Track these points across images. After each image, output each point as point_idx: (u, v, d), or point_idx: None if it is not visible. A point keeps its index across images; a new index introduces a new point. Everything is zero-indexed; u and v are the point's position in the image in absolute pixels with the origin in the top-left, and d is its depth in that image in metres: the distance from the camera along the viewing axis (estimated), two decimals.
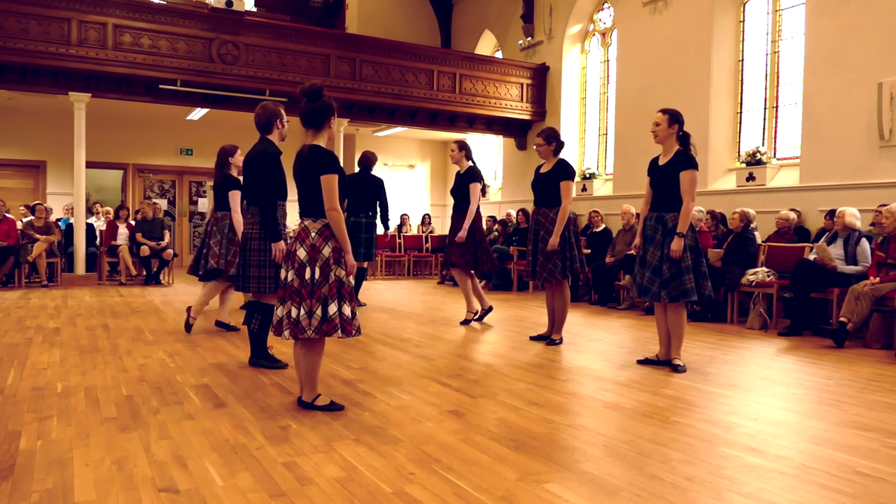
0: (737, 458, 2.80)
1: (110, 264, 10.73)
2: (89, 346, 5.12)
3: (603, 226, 9.59)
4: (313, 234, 3.27)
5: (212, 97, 10.44)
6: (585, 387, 4.09)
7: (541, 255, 5.43)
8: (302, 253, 3.26)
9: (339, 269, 3.28)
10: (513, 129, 12.99)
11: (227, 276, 5.80)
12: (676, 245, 4.43)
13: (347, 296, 3.30)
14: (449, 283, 11.66)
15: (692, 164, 4.50)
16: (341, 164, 3.55)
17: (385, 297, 9.01)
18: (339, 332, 3.24)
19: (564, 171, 5.41)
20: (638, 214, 8.40)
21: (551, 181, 5.42)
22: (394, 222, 13.82)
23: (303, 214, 3.36)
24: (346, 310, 3.28)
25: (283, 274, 3.36)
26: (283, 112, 4.46)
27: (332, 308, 3.23)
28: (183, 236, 14.13)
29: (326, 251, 3.25)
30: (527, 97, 12.52)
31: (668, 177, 4.55)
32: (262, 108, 4.42)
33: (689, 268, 4.47)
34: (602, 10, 11.94)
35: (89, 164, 10.59)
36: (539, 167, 5.62)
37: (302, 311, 3.21)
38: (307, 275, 3.23)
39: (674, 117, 4.59)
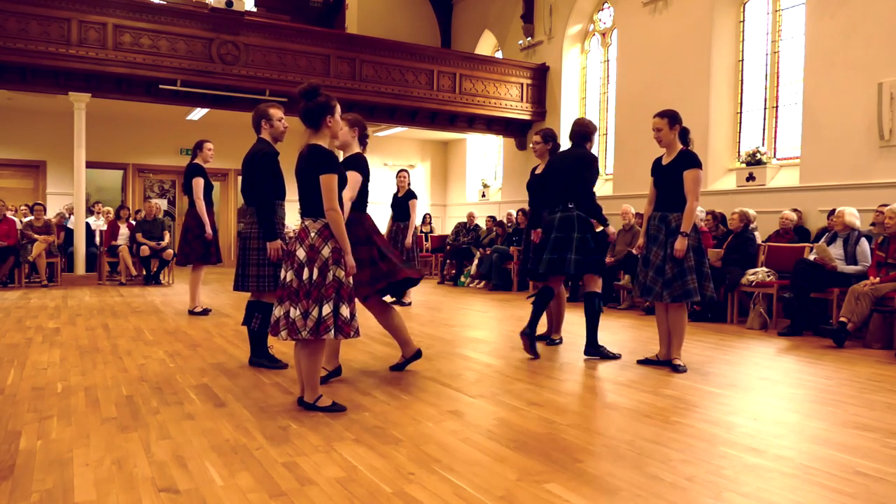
0: (737, 458, 2.80)
1: (110, 264, 10.73)
2: (89, 346, 5.12)
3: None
4: (313, 234, 3.27)
5: (212, 97, 10.44)
6: (585, 387, 4.09)
7: (532, 254, 5.43)
8: (301, 253, 3.26)
9: (339, 269, 3.27)
10: (513, 129, 12.98)
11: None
12: (680, 244, 4.42)
13: (347, 297, 3.29)
14: (449, 284, 11.66)
15: (696, 164, 4.50)
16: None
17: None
18: (334, 332, 3.23)
19: None
20: (639, 214, 8.41)
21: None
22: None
23: (303, 214, 3.35)
24: (345, 311, 3.27)
25: (282, 274, 3.35)
26: (270, 112, 4.46)
27: (327, 309, 3.22)
28: None
29: (326, 251, 3.25)
30: (527, 97, 12.52)
31: (672, 176, 4.55)
32: (255, 109, 4.52)
33: (691, 268, 4.46)
34: (602, 10, 11.95)
35: (89, 164, 10.59)
36: (534, 168, 5.64)
37: (298, 312, 3.21)
38: (305, 275, 3.23)
39: (673, 118, 4.59)
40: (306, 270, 3.23)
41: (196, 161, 7.05)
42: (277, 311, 3.32)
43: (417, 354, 4.43)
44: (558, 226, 4.85)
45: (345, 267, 3.28)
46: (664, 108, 4.69)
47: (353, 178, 3.96)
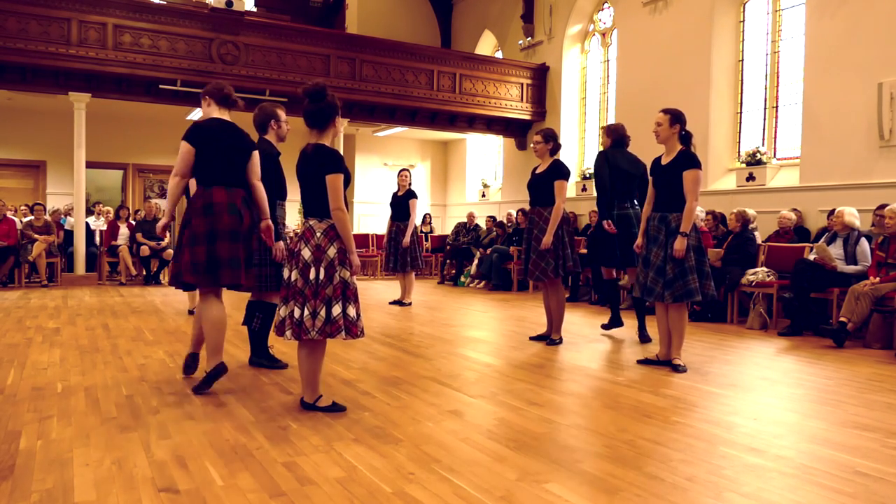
0: (737, 458, 2.80)
1: (110, 264, 10.74)
2: (89, 346, 5.12)
3: None
4: (318, 235, 3.26)
5: None
6: (585, 387, 4.09)
7: (534, 254, 5.45)
8: (306, 253, 3.25)
9: (344, 269, 3.26)
10: (513, 129, 12.98)
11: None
12: (680, 244, 4.43)
13: (352, 297, 3.29)
14: (449, 284, 11.66)
15: (695, 164, 4.50)
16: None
17: (385, 297, 9.01)
18: (344, 333, 3.23)
19: (559, 170, 5.43)
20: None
21: (546, 181, 5.45)
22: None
23: (307, 214, 3.35)
24: (351, 311, 3.26)
25: (286, 273, 3.34)
26: (279, 112, 4.47)
27: (337, 309, 3.21)
28: None
29: (331, 252, 3.24)
30: (527, 97, 12.52)
31: (672, 176, 4.55)
32: (260, 108, 4.48)
33: (692, 268, 4.47)
34: (602, 10, 11.95)
35: (89, 164, 10.59)
36: (535, 168, 5.65)
37: (306, 312, 3.20)
38: (311, 275, 3.22)
39: (675, 117, 4.59)
40: (312, 270, 3.22)
41: None
42: (282, 311, 3.31)
43: (220, 369, 3.68)
44: (637, 222, 5.56)
45: (350, 267, 3.28)
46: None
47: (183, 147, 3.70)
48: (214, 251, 3.62)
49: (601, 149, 6.02)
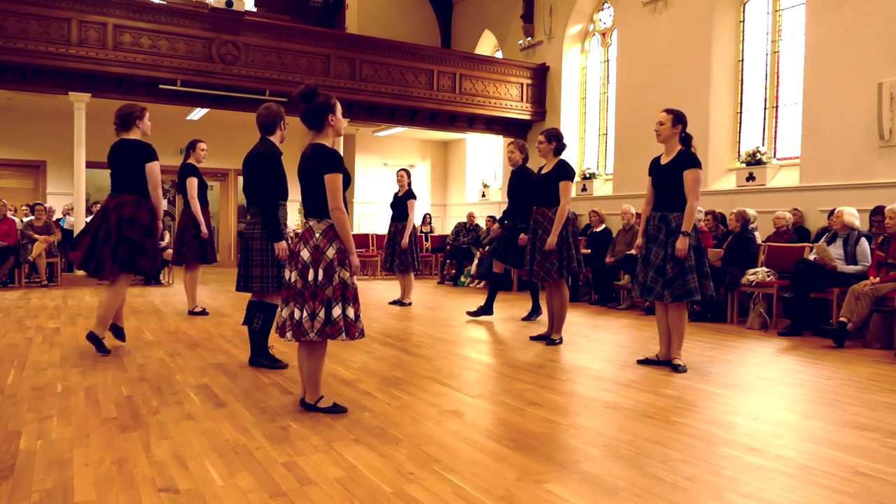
0: (737, 458, 2.80)
1: None
2: (89, 346, 5.11)
3: (603, 226, 9.59)
4: (317, 235, 3.25)
5: (212, 97, 10.43)
6: (585, 387, 4.09)
7: (538, 255, 5.45)
8: (305, 254, 3.24)
9: (344, 270, 3.25)
10: (513, 129, 12.98)
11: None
12: (682, 244, 4.43)
13: (352, 297, 3.28)
14: (449, 284, 11.66)
15: (695, 164, 4.51)
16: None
17: (385, 297, 9.01)
18: (344, 334, 3.22)
19: (564, 171, 5.44)
20: (638, 214, 8.41)
21: (551, 181, 5.45)
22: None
23: (307, 215, 3.34)
24: (351, 312, 3.25)
25: (286, 274, 3.34)
26: (283, 113, 4.49)
27: (336, 310, 3.20)
28: None
29: (330, 252, 3.23)
30: (527, 97, 12.52)
31: (671, 176, 4.55)
32: (266, 108, 4.45)
33: (692, 267, 4.47)
34: (602, 10, 11.95)
35: (89, 164, 10.56)
36: (540, 168, 5.65)
37: (305, 313, 3.19)
38: (310, 276, 3.21)
39: (678, 118, 4.60)
40: (311, 271, 3.21)
41: (189, 161, 7.08)
42: (284, 313, 3.31)
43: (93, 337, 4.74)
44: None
45: (349, 267, 3.27)
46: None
47: None
48: (95, 246, 4.66)
49: (521, 164, 6.57)
